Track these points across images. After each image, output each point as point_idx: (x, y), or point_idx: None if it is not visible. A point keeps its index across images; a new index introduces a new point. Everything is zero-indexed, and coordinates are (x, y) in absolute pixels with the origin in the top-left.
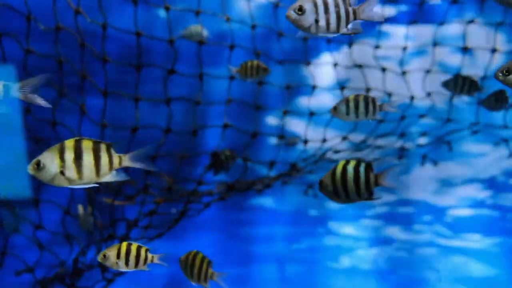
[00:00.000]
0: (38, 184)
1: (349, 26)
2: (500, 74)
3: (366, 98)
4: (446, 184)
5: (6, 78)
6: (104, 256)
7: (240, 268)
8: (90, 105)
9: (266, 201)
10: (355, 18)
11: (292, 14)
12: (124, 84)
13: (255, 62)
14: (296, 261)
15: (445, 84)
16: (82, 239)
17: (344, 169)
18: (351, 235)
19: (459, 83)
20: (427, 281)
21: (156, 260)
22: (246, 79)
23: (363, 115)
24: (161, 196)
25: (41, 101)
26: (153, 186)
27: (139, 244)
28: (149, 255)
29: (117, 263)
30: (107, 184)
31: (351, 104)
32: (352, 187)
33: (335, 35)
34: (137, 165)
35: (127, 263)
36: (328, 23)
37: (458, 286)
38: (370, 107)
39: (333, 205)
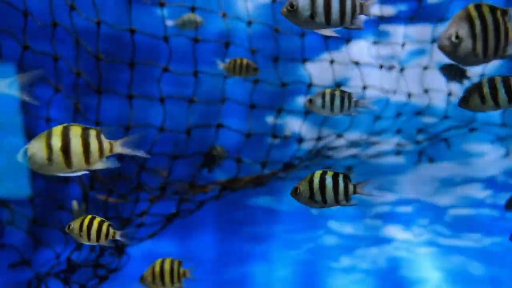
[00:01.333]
0: (34, 181)
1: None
2: (462, 104)
3: (342, 93)
4: (446, 183)
5: (5, 76)
6: (69, 227)
7: (240, 267)
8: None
9: (266, 200)
10: (361, 13)
11: (285, 10)
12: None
13: (245, 60)
14: (296, 261)
15: (442, 69)
16: None
17: (322, 178)
18: (351, 235)
19: (452, 70)
20: (427, 281)
21: (117, 236)
22: (234, 76)
23: (338, 109)
24: (155, 194)
25: (28, 98)
26: (148, 184)
27: (103, 219)
28: (111, 231)
29: (80, 235)
30: (101, 181)
31: (327, 98)
32: (331, 195)
33: (335, 30)
34: (129, 152)
35: (89, 236)
36: (328, 18)
37: (458, 286)
38: (346, 102)
39: None
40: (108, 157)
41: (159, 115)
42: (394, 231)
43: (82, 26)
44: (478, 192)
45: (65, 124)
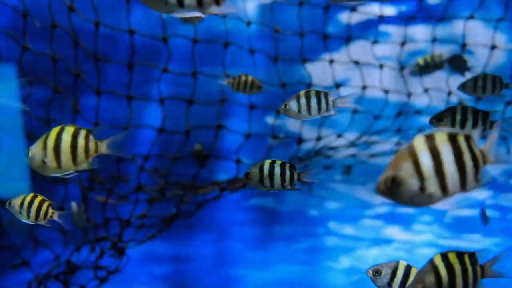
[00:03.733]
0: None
1: None
2: (434, 121)
3: (318, 94)
4: None
5: (6, 77)
6: (10, 204)
7: (240, 268)
8: (89, 105)
9: (266, 201)
10: None
11: None
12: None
13: (250, 78)
14: (296, 261)
15: (449, 61)
16: (76, 237)
17: (271, 166)
18: (351, 235)
19: (455, 61)
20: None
21: (55, 217)
22: (238, 92)
23: (316, 111)
24: (154, 195)
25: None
26: (147, 186)
27: (44, 198)
28: (50, 210)
29: (20, 212)
30: (100, 182)
31: (302, 101)
32: (278, 181)
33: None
34: (115, 152)
35: (28, 215)
36: None
37: None
38: (323, 103)
39: (333, 205)
40: (94, 158)
41: (158, 115)
42: (394, 231)
43: (79, 26)
44: (479, 192)
45: (62, 125)
